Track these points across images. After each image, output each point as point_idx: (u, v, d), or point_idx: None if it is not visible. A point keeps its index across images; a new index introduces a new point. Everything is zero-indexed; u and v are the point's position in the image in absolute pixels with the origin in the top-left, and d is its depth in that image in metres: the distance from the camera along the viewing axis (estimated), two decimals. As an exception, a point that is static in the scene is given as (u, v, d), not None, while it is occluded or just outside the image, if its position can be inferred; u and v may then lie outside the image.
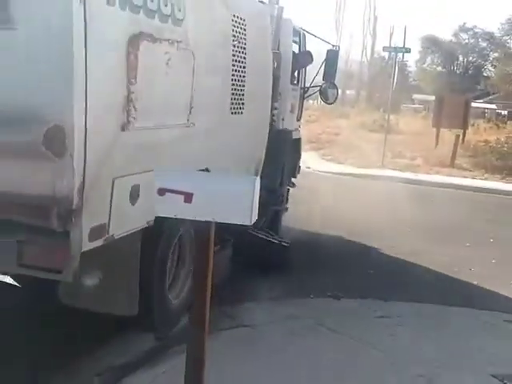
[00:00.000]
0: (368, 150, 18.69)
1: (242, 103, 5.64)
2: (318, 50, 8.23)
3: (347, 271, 6.91)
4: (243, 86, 5.56)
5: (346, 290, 6.14)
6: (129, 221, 3.92)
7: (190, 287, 4.79)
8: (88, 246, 3.50)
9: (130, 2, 3.60)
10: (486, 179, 16.25)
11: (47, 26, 3.18)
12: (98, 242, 3.61)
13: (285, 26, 7.01)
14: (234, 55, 5.33)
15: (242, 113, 5.65)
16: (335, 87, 7.79)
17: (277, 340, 4.79)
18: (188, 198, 2.94)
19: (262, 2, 6.65)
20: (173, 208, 3.01)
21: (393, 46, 21.56)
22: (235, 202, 2.90)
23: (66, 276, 3.51)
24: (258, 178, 2.94)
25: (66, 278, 3.55)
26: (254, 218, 2.94)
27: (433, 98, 28.02)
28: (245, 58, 5.51)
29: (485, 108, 41.71)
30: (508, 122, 29.61)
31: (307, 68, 7.99)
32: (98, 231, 3.58)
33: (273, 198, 7.03)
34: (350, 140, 21.06)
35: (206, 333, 3.21)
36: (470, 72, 51.13)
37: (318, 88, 7.96)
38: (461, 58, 52.03)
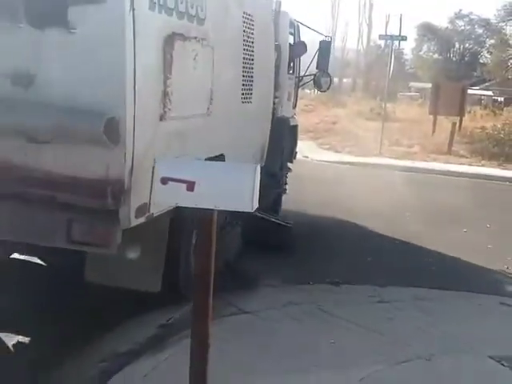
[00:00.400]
0: (365, 139, 18.74)
1: (251, 93, 6.08)
2: (311, 39, 8.53)
3: (345, 257, 6.99)
4: (252, 77, 6.02)
5: (344, 275, 6.22)
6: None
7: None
8: (134, 222, 3.90)
9: (165, 5, 4.00)
10: (482, 166, 16.34)
11: (102, 30, 3.61)
12: (141, 220, 4.00)
13: (282, 19, 7.45)
14: (244, 49, 5.78)
15: (250, 102, 6.11)
16: (328, 76, 8.13)
17: (277, 325, 4.87)
18: (190, 186, 3.01)
19: None
20: (175, 196, 3.09)
21: (389, 34, 21.59)
22: (237, 190, 2.98)
23: (112, 249, 3.91)
24: (259, 166, 3.01)
25: (111, 251, 3.93)
26: (255, 204, 3.01)
27: (429, 85, 28.04)
28: (253, 51, 5.95)
29: (481, 95, 41.68)
30: (504, 109, 29.59)
31: (301, 58, 8.30)
32: (141, 210, 3.96)
33: (274, 182, 7.48)
34: (348, 129, 21.12)
35: (210, 317, 3.29)
36: (466, 59, 51.01)
37: (312, 77, 8.31)
38: (457, 45, 51.88)
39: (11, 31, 3.70)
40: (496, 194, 12.65)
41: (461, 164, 16.22)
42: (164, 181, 3.04)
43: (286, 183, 8.44)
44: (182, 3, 4.22)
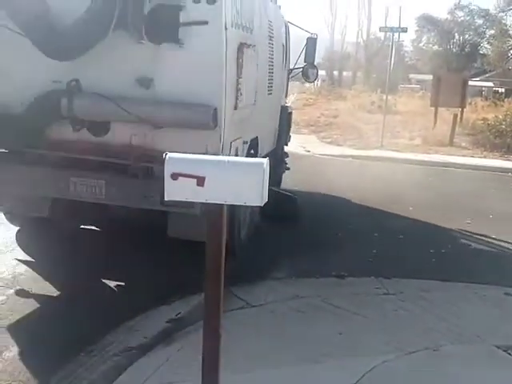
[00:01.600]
0: (367, 132, 18.76)
1: (272, 86, 7.36)
2: (300, 36, 9.52)
3: (350, 251, 7.05)
4: (272, 73, 7.26)
5: (350, 269, 6.27)
6: None
7: (249, 224, 6.79)
8: None
9: (237, 22, 5.25)
10: (484, 157, 16.34)
11: (205, 44, 4.86)
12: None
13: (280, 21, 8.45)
14: (269, 50, 6.97)
15: (271, 94, 7.45)
16: (315, 68, 9.13)
17: (285, 318, 4.93)
18: (200, 181, 3.05)
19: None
20: (186, 191, 3.12)
21: (389, 26, 21.56)
22: (246, 185, 3.01)
23: (196, 210, 4.82)
24: (267, 160, 3.05)
25: (195, 212, 4.84)
26: (265, 199, 3.05)
27: (430, 77, 28.01)
28: (273, 50, 7.18)
29: (482, 86, 41.64)
30: (505, 100, 29.57)
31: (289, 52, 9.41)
32: None
33: (279, 161, 8.79)
34: (349, 122, 21.14)
35: (222, 309, 3.34)
36: (466, 50, 50.88)
37: (301, 69, 9.24)
38: (457, 36, 51.75)
39: (135, 46, 4.89)
40: (498, 185, 12.67)
41: (463, 156, 16.21)
42: (174, 176, 3.07)
43: (286, 163, 9.61)
44: (243, 19, 5.46)
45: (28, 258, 6.02)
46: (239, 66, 5.30)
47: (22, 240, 6.43)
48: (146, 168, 5.03)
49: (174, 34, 4.83)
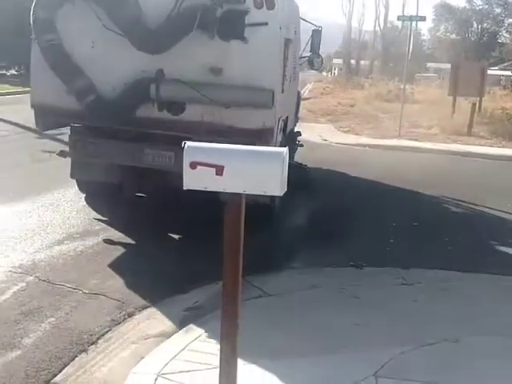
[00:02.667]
0: (384, 121, 18.64)
1: (295, 73, 8.54)
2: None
3: (369, 240, 7.01)
4: (295, 61, 8.31)
5: (367, 258, 6.25)
6: (278, 139, 6.77)
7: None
8: None
9: (283, 22, 6.47)
10: (503, 147, 16.14)
11: (265, 41, 6.07)
12: None
13: None
14: (294, 43, 7.85)
15: (295, 80, 8.70)
16: (319, 57, 9.92)
17: (302, 308, 4.91)
18: (219, 170, 3.03)
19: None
20: (204, 181, 3.10)
21: (406, 14, 21.31)
22: (266, 175, 2.99)
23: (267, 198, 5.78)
24: (287, 149, 3.03)
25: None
26: (284, 188, 3.03)
27: (447, 66, 27.69)
28: (296, 43, 8.27)
29: (500, 75, 41.11)
30: (524, 89, 29.17)
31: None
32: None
33: (294, 138, 9.82)
34: (366, 111, 20.99)
35: (240, 298, 3.34)
36: (484, 39, 50.28)
37: (307, 58, 9.92)
38: (475, 25, 51.14)
39: (208, 42, 6.04)
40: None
41: (481, 145, 16.03)
42: (193, 165, 3.06)
43: (299, 140, 10.50)
44: (286, 19, 6.76)
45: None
46: (284, 58, 6.65)
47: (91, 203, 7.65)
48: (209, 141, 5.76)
49: (241, 33, 5.99)
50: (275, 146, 6.28)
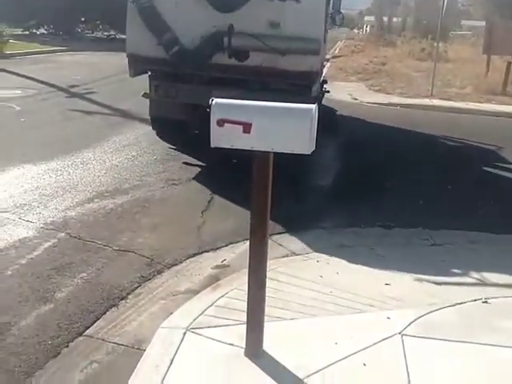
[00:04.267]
0: (416, 80, 18.25)
1: (327, 35, 9.14)
2: None
3: (397, 200, 6.96)
4: (327, 24, 8.97)
5: (395, 219, 6.21)
6: (319, 81, 8.48)
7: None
8: (314, 94, 7.68)
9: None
10: (539, 106, 15.67)
11: (313, 1, 7.31)
12: (315, 94, 7.77)
13: None
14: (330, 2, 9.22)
15: (327, 32, 9.32)
16: (341, 13, 10.56)
17: (329, 267, 4.93)
18: (247, 128, 3.00)
19: None
20: (231, 139, 3.08)
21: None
22: (294, 132, 2.96)
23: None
24: (316, 106, 2.98)
25: None
26: (313, 147, 2.99)
27: (482, 23, 26.85)
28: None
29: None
30: None
31: None
32: (316, 90, 7.94)
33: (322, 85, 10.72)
34: (398, 70, 20.57)
35: (267, 256, 3.36)
36: (523, -6, 48.39)
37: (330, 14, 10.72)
38: (513, -20, 49.20)
39: (268, 3, 7.25)
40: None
41: (516, 105, 15.58)
42: (220, 123, 3.03)
43: (325, 87, 11.25)
44: None
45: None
46: (326, 14, 7.92)
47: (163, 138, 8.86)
48: (265, 82, 7.52)
49: None
50: (317, 86, 7.86)
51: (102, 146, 8.55)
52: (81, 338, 3.81)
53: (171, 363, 3.35)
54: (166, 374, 3.25)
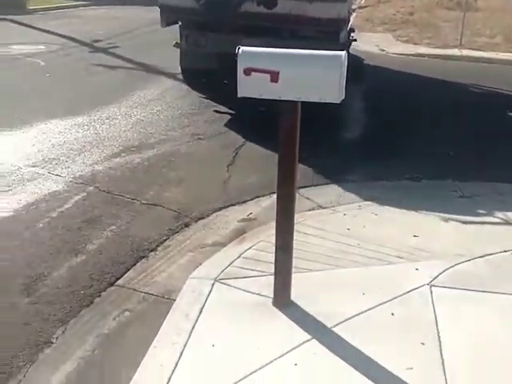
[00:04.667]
0: (445, 30, 17.74)
1: None
2: None
3: (427, 150, 6.87)
4: None
5: (424, 171, 6.14)
6: (346, 28, 8.04)
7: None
8: (342, 40, 7.53)
9: None
10: None
11: None
12: (342, 41, 7.59)
13: None
14: None
15: None
16: None
17: (355, 220, 4.90)
18: (274, 77, 2.95)
19: None
20: (258, 88, 3.03)
21: None
22: (323, 80, 2.90)
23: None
24: (345, 53, 2.91)
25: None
26: (342, 95, 2.93)
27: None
28: None
29: None
30: None
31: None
32: (344, 37, 7.69)
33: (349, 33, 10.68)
34: (426, 19, 20.00)
35: (294, 209, 3.36)
36: None
37: None
38: None
39: None
40: None
41: (549, 55, 15.09)
42: (247, 72, 2.98)
43: (352, 35, 11.28)
44: None
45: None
46: None
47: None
48: (293, 30, 7.64)
49: None
50: (344, 33, 7.75)
51: (126, 101, 8.53)
52: (112, 288, 3.89)
53: (201, 312, 3.41)
54: (195, 322, 3.31)
